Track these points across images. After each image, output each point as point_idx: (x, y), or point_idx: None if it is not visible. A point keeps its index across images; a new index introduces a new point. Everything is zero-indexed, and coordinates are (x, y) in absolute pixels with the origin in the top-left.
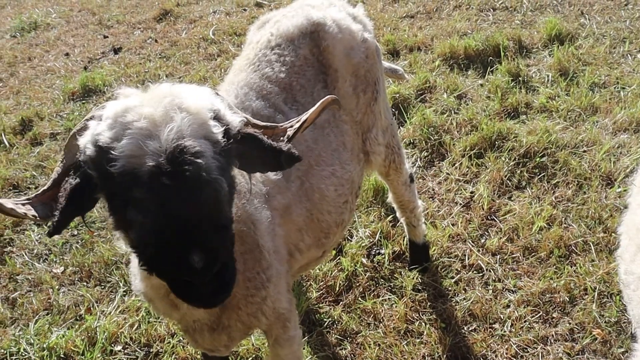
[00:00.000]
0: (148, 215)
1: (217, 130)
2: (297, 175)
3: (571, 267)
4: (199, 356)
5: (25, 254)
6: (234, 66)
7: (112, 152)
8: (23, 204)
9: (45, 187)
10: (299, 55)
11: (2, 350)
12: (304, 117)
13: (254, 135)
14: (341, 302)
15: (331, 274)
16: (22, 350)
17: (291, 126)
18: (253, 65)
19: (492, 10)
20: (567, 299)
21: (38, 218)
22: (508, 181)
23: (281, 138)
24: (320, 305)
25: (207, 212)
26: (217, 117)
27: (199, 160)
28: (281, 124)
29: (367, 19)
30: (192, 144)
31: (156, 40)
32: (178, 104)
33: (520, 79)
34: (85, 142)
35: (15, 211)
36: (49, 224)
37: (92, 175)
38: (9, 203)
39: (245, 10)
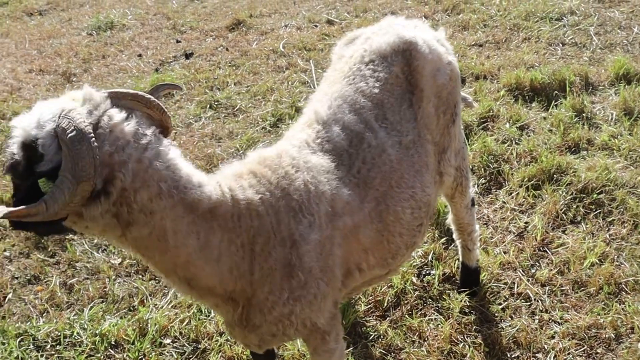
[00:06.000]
0: None
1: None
2: (375, 196)
3: (620, 304)
4: (245, 356)
5: (85, 242)
6: (327, 78)
7: None
8: None
9: None
10: (391, 72)
11: (57, 332)
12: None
13: None
14: (388, 318)
15: (380, 289)
16: (75, 333)
17: None
18: (348, 79)
19: (561, 45)
20: (613, 336)
21: None
22: (563, 215)
23: None
24: (367, 318)
25: None
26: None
27: None
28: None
29: (447, 42)
30: None
31: (227, 49)
32: None
33: (583, 115)
34: None
35: None
36: None
37: None
38: None
39: (316, 26)
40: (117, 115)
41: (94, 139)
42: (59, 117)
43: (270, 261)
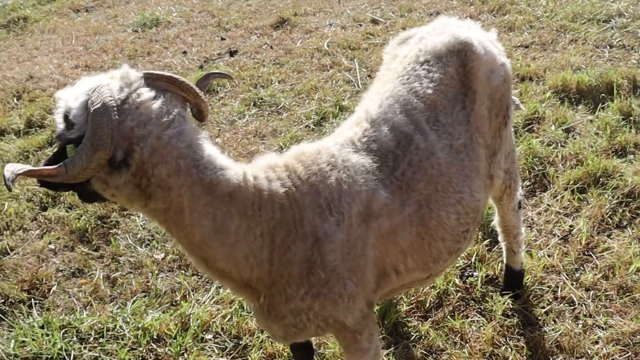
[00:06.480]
0: None
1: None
2: (417, 199)
3: None
4: (286, 353)
5: (129, 237)
6: (380, 77)
7: None
8: None
9: None
10: (446, 73)
11: (100, 325)
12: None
13: None
14: (430, 319)
15: (422, 290)
16: (118, 327)
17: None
18: (402, 78)
19: (608, 47)
20: None
21: None
22: (609, 219)
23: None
24: (409, 319)
25: None
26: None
27: None
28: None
29: (499, 44)
30: None
31: (271, 47)
32: None
33: (631, 118)
34: None
35: None
36: None
37: None
38: None
39: (360, 25)
40: (146, 93)
41: (116, 112)
42: (92, 91)
43: (289, 255)
